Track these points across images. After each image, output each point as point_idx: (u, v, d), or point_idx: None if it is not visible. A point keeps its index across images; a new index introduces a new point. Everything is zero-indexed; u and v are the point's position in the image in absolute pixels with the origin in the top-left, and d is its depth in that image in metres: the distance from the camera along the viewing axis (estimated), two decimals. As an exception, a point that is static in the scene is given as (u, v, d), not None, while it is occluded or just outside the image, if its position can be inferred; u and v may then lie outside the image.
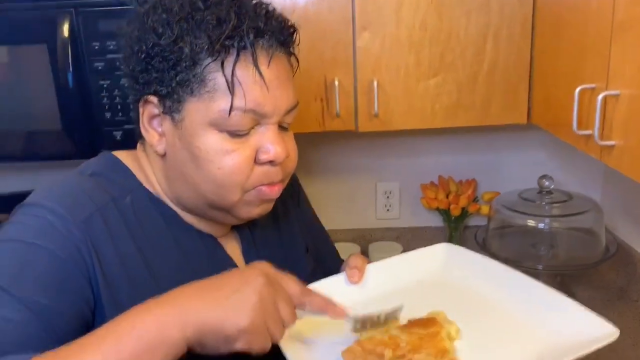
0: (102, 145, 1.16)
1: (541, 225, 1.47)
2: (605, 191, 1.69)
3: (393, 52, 1.30)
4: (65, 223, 0.72)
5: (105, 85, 1.26)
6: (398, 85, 1.33)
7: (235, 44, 0.73)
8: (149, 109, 0.79)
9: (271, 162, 0.79)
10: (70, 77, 1.24)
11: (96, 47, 1.24)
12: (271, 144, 0.78)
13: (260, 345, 0.64)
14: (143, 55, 0.76)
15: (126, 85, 0.82)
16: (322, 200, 1.77)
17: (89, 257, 0.72)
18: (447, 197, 1.68)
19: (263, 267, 0.68)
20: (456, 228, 1.70)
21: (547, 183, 1.49)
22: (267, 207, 0.85)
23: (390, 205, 1.78)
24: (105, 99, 1.26)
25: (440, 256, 0.95)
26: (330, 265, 1.04)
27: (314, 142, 1.72)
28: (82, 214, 0.74)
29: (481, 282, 0.87)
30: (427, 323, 0.75)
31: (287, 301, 0.67)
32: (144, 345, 0.59)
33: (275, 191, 0.82)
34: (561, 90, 1.13)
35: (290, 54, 0.83)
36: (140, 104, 0.80)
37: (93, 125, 1.28)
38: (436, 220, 1.78)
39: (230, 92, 0.74)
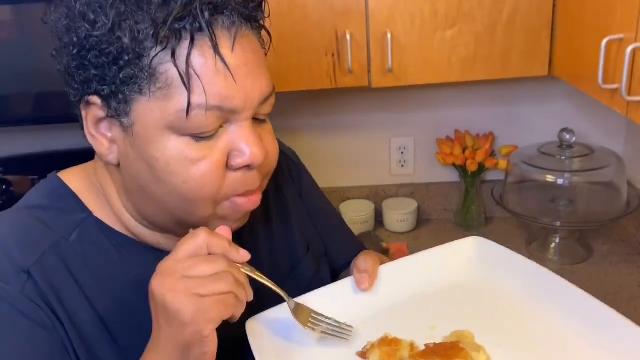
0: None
1: (560, 181, 1.44)
2: (627, 143, 1.63)
3: (407, 1, 1.24)
4: (9, 297, 0.63)
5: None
6: (413, 37, 1.27)
7: (188, 27, 0.59)
8: (93, 112, 0.64)
9: (247, 167, 0.65)
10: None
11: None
12: (246, 144, 0.64)
13: (232, 314, 0.60)
14: (76, 50, 0.61)
15: (63, 82, 0.67)
16: (335, 158, 1.75)
17: (50, 321, 0.64)
18: (463, 152, 1.64)
19: (163, 272, 0.59)
20: (472, 184, 1.67)
21: (567, 136, 1.45)
22: (245, 219, 0.72)
23: (404, 161, 1.75)
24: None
25: (469, 254, 0.79)
26: (342, 259, 0.94)
27: (325, 97, 1.68)
28: (18, 279, 0.64)
29: (519, 289, 0.72)
30: (449, 350, 0.63)
31: (212, 281, 0.58)
32: None
33: (253, 202, 0.69)
34: (586, 41, 1.07)
35: (259, 29, 0.68)
36: (82, 106, 0.65)
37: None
38: (452, 176, 1.74)
39: (186, 87, 0.60)
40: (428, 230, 1.72)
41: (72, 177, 0.74)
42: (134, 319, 0.68)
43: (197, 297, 0.56)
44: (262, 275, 0.65)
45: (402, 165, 1.75)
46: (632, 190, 1.47)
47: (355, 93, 1.66)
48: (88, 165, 0.75)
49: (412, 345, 0.66)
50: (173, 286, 0.57)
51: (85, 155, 0.75)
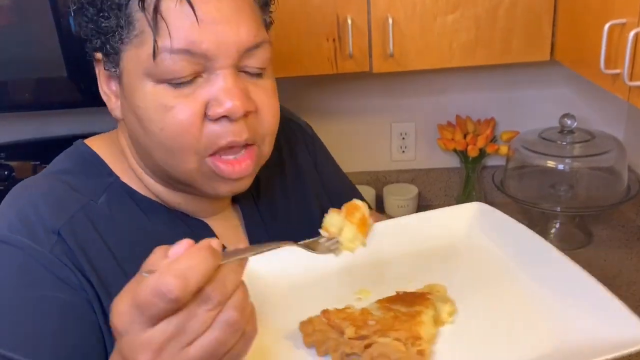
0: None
1: (561, 166, 1.44)
2: (628, 129, 1.63)
3: (409, -14, 1.23)
4: (40, 257, 0.63)
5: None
6: (414, 22, 1.26)
7: None
8: (101, 69, 0.68)
9: (227, 119, 0.63)
10: (72, 21, 1.20)
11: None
12: (224, 94, 0.62)
13: None
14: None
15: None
16: (336, 143, 1.72)
17: (77, 280, 0.64)
18: (464, 137, 1.64)
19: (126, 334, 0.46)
20: (473, 169, 1.67)
21: (569, 122, 1.45)
22: (243, 185, 0.69)
23: (405, 147, 1.75)
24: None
25: (469, 218, 0.78)
26: None
27: (325, 83, 1.67)
28: (48, 239, 0.64)
29: (511, 255, 0.70)
30: (415, 299, 0.62)
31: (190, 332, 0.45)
32: None
33: (237, 171, 0.66)
34: (588, 25, 1.06)
35: None
36: (95, 64, 0.69)
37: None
38: (453, 161, 1.74)
39: (152, 30, 0.61)
40: (428, 215, 1.72)
41: (98, 144, 0.76)
42: None
43: None
44: (254, 247, 0.52)
45: (403, 151, 1.75)
46: (632, 176, 1.47)
47: (355, 78, 1.65)
48: (112, 132, 0.77)
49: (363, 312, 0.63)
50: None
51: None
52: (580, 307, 0.57)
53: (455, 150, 1.67)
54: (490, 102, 1.67)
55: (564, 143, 1.44)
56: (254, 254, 0.49)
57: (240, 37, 0.63)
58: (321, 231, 0.61)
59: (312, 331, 0.60)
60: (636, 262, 1.38)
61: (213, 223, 0.78)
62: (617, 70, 0.92)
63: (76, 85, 1.25)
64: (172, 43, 0.61)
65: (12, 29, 1.24)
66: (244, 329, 0.46)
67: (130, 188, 0.73)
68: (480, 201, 1.70)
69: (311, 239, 0.62)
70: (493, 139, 1.67)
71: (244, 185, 0.70)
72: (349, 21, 1.26)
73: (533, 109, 1.66)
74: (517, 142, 1.53)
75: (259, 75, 0.67)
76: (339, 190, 0.97)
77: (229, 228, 0.79)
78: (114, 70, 0.66)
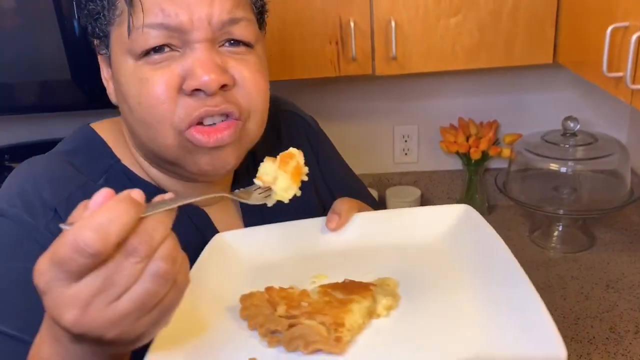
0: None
1: (564, 169, 1.44)
2: (631, 132, 1.63)
3: (411, -11, 1.24)
4: (33, 230, 0.63)
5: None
6: (417, 24, 1.26)
7: None
8: (99, 55, 0.72)
9: (201, 92, 0.63)
10: (76, 24, 1.20)
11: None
12: (198, 67, 0.62)
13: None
14: None
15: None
16: (338, 146, 1.73)
17: None
18: (467, 140, 1.64)
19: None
20: (476, 172, 1.67)
21: (572, 125, 1.44)
22: (224, 157, 0.68)
23: (408, 149, 1.75)
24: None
25: (452, 218, 0.75)
26: None
27: (328, 85, 1.67)
28: (44, 215, 0.65)
29: (475, 263, 0.66)
30: (355, 288, 0.61)
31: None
32: None
33: (214, 139, 0.65)
34: (591, 28, 1.07)
35: None
36: (97, 53, 0.72)
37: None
38: (455, 164, 1.74)
39: (127, 7, 0.63)
40: (431, 218, 1.72)
41: (102, 127, 0.78)
42: None
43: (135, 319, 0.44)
44: (181, 198, 0.49)
45: (406, 154, 1.75)
46: (635, 179, 1.47)
47: (358, 81, 1.66)
48: (118, 117, 0.78)
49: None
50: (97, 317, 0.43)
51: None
52: (515, 323, 0.55)
53: (457, 153, 1.67)
54: (492, 105, 1.68)
55: (567, 146, 1.44)
56: (179, 204, 0.47)
57: (213, 10, 0.63)
58: (255, 180, 0.61)
59: (249, 305, 0.60)
60: (639, 266, 1.38)
61: (211, 211, 0.79)
62: (620, 74, 0.92)
63: (80, 87, 1.26)
64: (144, 18, 0.62)
65: (17, 31, 1.24)
66: (175, 279, 0.44)
67: (130, 171, 0.74)
68: (483, 203, 1.70)
69: (245, 188, 0.62)
70: (496, 142, 1.67)
71: (226, 158, 0.69)
72: (352, 24, 1.26)
73: (536, 111, 1.66)
74: (520, 144, 1.53)
75: (242, 51, 0.67)
76: (342, 185, 0.97)
77: (227, 217, 0.80)
78: (105, 53, 0.69)
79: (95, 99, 1.24)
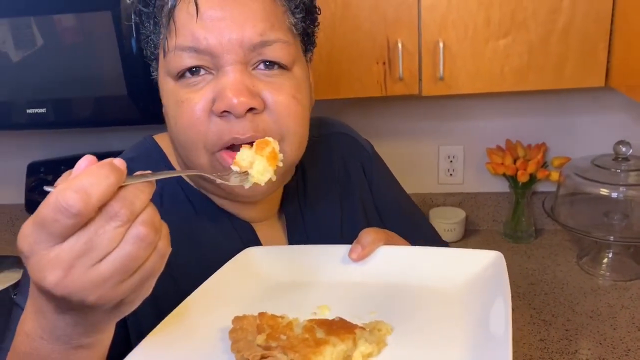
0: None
1: (615, 194, 1.40)
2: (688, 157, 1.57)
3: (460, 10, 1.24)
4: None
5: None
6: (465, 46, 1.26)
7: None
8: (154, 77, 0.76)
9: (229, 114, 0.65)
10: (134, 43, 1.26)
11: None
12: (227, 88, 0.64)
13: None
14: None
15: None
16: (383, 164, 1.75)
17: None
18: (514, 162, 1.62)
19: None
20: (523, 195, 1.64)
21: (624, 149, 1.41)
22: (262, 194, 0.70)
23: (453, 170, 1.73)
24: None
25: (476, 267, 0.69)
26: None
27: (374, 104, 1.68)
28: None
29: (477, 320, 0.62)
30: (340, 329, 0.59)
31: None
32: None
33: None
34: (645, 51, 1.04)
35: None
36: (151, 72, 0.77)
37: (157, 92, 1.30)
38: (502, 186, 1.72)
39: (162, 31, 0.68)
40: (476, 240, 1.70)
41: (163, 138, 0.81)
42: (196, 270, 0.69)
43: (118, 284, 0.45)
44: (161, 172, 0.51)
45: (451, 174, 1.74)
46: (691, 206, 1.41)
47: (403, 101, 1.66)
48: None
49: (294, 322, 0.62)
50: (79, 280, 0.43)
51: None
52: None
53: (504, 175, 1.64)
54: (541, 127, 1.65)
55: (619, 170, 1.40)
56: (159, 177, 0.49)
57: (244, 34, 0.65)
58: (232, 166, 0.62)
59: (238, 327, 0.60)
60: (695, 297, 1.32)
61: (258, 227, 0.80)
62: (676, 98, 0.90)
63: (135, 103, 1.31)
64: (177, 40, 0.66)
65: (77, 48, 1.31)
66: (156, 245, 0.45)
67: (185, 182, 0.77)
68: (530, 227, 1.66)
69: (223, 172, 0.64)
70: (544, 165, 1.64)
71: (265, 193, 0.71)
72: (400, 45, 1.27)
73: (585, 135, 1.63)
74: (569, 168, 1.50)
75: (276, 73, 0.68)
76: (395, 212, 0.95)
77: (273, 234, 0.81)
78: (155, 75, 0.73)
79: (149, 115, 1.29)
